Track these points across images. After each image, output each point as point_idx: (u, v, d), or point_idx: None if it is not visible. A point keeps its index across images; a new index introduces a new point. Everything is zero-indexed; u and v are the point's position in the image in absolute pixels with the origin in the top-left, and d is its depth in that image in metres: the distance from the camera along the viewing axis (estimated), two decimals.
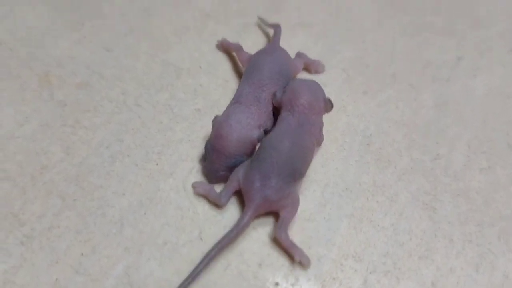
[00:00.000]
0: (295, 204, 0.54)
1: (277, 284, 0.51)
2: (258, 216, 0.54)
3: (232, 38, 0.72)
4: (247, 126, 0.57)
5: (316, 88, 0.59)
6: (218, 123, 0.57)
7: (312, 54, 0.72)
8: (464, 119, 0.65)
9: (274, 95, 0.59)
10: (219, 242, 0.51)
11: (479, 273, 0.53)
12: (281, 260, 0.53)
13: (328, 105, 0.59)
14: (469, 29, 0.78)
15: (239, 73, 0.68)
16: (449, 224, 0.56)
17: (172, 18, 0.76)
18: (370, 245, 0.54)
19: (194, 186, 0.57)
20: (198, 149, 0.60)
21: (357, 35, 0.76)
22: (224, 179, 0.57)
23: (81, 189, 0.56)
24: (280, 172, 0.53)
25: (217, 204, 0.55)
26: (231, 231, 0.52)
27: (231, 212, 0.55)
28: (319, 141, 0.59)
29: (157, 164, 0.59)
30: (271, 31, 0.73)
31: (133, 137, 0.61)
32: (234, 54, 0.69)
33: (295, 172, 0.54)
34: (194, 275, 0.50)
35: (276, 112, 0.60)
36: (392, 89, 0.69)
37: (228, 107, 0.60)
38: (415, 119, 0.65)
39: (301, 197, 0.56)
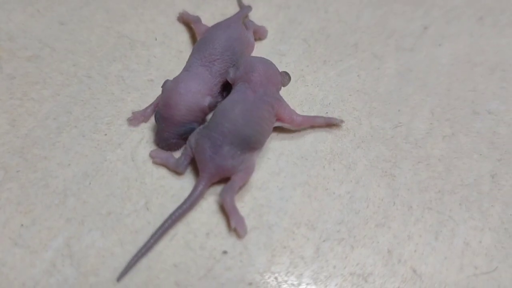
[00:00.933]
0: (248, 170, 0.52)
1: (225, 252, 0.49)
2: (211, 184, 0.52)
3: (190, 10, 0.70)
4: (197, 94, 0.55)
5: (270, 63, 0.58)
6: (166, 91, 0.55)
7: (273, 25, 0.70)
8: (428, 87, 0.63)
9: (228, 72, 0.57)
10: (172, 213, 0.50)
11: (439, 240, 0.50)
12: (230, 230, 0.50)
13: (285, 78, 0.57)
14: None
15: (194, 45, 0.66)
16: (408, 192, 0.54)
17: None
18: (325, 213, 0.52)
19: (151, 155, 0.55)
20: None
21: (320, 5, 0.74)
22: (175, 147, 0.55)
23: (25, 160, 0.54)
24: (232, 141, 0.51)
25: (176, 171, 0.53)
26: (185, 201, 0.50)
27: (180, 182, 0.53)
28: (288, 116, 0.56)
29: (105, 134, 0.57)
30: (230, 5, 0.71)
31: (82, 108, 0.59)
32: (192, 25, 0.67)
33: (249, 140, 0.52)
34: (147, 247, 0.48)
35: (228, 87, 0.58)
36: (354, 58, 0.66)
37: (178, 75, 0.57)
38: (376, 87, 0.63)
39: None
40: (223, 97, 0.58)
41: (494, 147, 0.58)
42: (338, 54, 0.67)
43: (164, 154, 0.54)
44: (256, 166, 0.54)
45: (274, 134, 0.57)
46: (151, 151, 0.55)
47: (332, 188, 0.53)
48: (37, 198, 0.51)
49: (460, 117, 0.60)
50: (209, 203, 0.52)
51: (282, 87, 0.57)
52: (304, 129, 0.58)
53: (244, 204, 0.52)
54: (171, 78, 0.60)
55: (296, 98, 0.61)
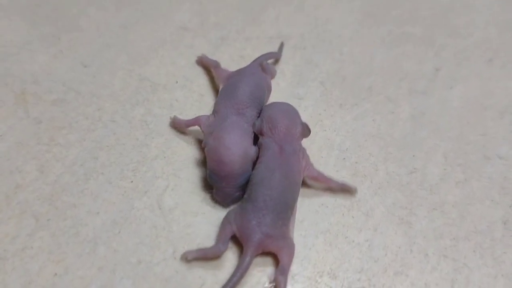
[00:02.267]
0: (291, 247, 0.53)
1: None
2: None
3: (209, 52, 0.72)
4: (244, 144, 0.56)
5: (292, 112, 0.60)
6: (214, 150, 0.56)
7: (290, 67, 0.72)
8: (441, 131, 0.65)
9: (254, 124, 0.59)
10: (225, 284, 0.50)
11: None
12: (256, 279, 0.52)
13: (306, 130, 0.59)
14: (447, 39, 0.79)
15: (215, 88, 0.68)
16: (424, 239, 0.56)
17: (149, 32, 0.76)
18: (345, 261, 0.54)
19: (185, 256, 0.53)
20: (173, 165, 0.60)
21: (335, 47, 0.76)
22: (239, 199, 0.56)
23: (55, 208, 0.56)
24: (274, 208, 0.52)
25: (217, 256, 0.53)
26: (234, 274, 0.51)
27: (206, 229, 0.55)
28: (309, 167, 0.58)
29: (131, 181, 0.58)
30: (248, 47, 0.73)
31: (108, 154, 0.61)
32: (212, 70, 0.69)
33: (287, 205, 0.53)
34: None
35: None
36: (368, 102, 0.69)
37: (214, 128, 0.58)
38: (391, 132, 0.65)
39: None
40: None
41: (505, 192, 0.60)
42: (354, 97, 0.69)
43: (194, 250, 0.53)
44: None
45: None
46: (183, 253, 0.53)
47: (352, 236, 0.56)
48: (68, 246, 0.53)
49: (471, 162, 0.62)
50: (233, 251, 0.54)
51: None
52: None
53: (269, 253, 0.54)
54: None
55: (315, 143, 0.63)
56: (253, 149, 0.57)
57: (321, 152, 0.62)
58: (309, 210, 0.57)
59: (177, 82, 0.69)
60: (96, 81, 0.69)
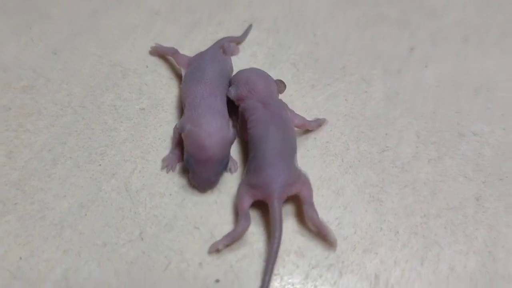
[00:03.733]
0: (307, 181, 0.54)
1: (217, 281, 0.50)
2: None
3: (180, 36, 0.72)
4: (223, 129, 0.56)
5: (263, 73, 0.62)
6: (193, 135, 0.55)
7: (264, 49, 0.71)
8: (414, 110, 0.65)
9: (229, 91, 0.60)
10: (271, 249, 0.50)
11: (424, 266, 0.52)
12: (222, 258, 0.52)
13: (281, 85, 0.61)
14: (422, 19, 0.78)
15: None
16: (395, 216, 0.55)
17: (120, 18, 0.75)
18: (313, 239, 0.53)
19: (215, 248, 0.52)
20: (141, 149, 0.60)
21: (309, 29, 0.75)
22: (215, 184, 0.56)
23: (22, 192, 0.56)
24: (283, 157, 0.53)
25: (244, 233, 0.53)
26: (275, 231, 0.51)
27: (173, 210, 0.55)
28: (294, 115, 0.60)
29: (99, 165, 0.58)
30: (220, 31, 0.73)
31: (76, 139, 0.60)
32: (171, 57, 0.69)
33: (292, 149, 0.55)
34: None
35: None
36: (341, 82, 0.68)
37: (189, 114, 0.58)
38: (364, 111, 0.64)
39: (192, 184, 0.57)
40: (233, 120, 0.60)
41: (479, 169, 0.59)
42: (326, 78, 0.68)
43: (223, 238, 0.52)
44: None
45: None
46: (212, 245, 0.52)
47: (321, 215, 0.55)
48: (35, 230, 0.53)
49: (445, 140, 0.62)
50: (201, 232, 0.53)
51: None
52: None
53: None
54: (162, 106, 0.63)
55: None
56: (231, 132, 0.56)
57: None
58: None
59: (147, 66, 0.69)
60: (66, 68, 0.68)
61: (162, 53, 0.70)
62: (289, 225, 0.54)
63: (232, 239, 0.52)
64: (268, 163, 0.53)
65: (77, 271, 0.50)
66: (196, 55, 0.66)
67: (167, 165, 0.58)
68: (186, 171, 0.57)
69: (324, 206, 0.56)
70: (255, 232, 0.53)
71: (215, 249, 0.52)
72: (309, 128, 0.61)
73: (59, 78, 0.67)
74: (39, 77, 0.67)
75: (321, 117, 0.63)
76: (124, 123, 0.62)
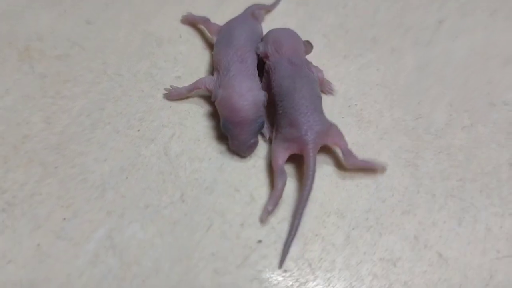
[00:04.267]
0: (339, 130, 0.56)
1: (259, 241, 0.51)
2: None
3: (213, 6, 0.73)
4: (254, 90, 0.56)
5: (293, 33, 0.63)
6: (226, 97, 0.56)
7: (293, 20, 0.72)
8: (446, 80, 0.65)
9: (257, 48, 0.61)
10: (302, 196, 0.52)
11: (462, 226, 0.53)
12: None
13: (308, 46, 0.61)
14: None
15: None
16: (431, 180, 0.56)
17: None
18: (352, 202, 0.54)
19: (267, 211, 0.53)
20: (179, 115, 0.60)
21: (338, 1, 0.76)
22: (255, 146, 0.57)
23: (62, 156, 0.56)
24: (313, 107, 0.55)
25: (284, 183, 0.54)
26: (308, 177, 0.52)
27: (212, 174, 0.55)
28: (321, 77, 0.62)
29: (138, 130, 0.59)
30: (252, 1, 0.73)
31: (114, 105, 0.61)
32: (202, 26, 0.69)
33: (319, 98, 0.57)
34: (292, 236, 0.51)
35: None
36: (373, 53, 0.69)
37: (221, 79, 0.59)
38: (396, 81, 0.65)
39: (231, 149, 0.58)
40: (261, 81, 0.60)
41: (510, 137, 0.60)
42: (357, 48, 0.69)
43: (270, 200, 0.53)
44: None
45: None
46: (263, 213, 0.53)
47: (358, 178, 0.56)
48: (77, 192, 0.54)
49: (477, 109, 0.62)
50: (241, 195, 0.54)
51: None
52: None
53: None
54: (197, 74, 0.63)
55: None
56: (262, 93, 0.57)
57: (325, 100, 0.62)
58: None
59: (180, 36, 0.69)
60: (101, 37, 0.69)
61: (193, 22, 0.71)
62: (326, 186, 0.55)
63: (276, 199, 0.53)
64: (300, 114, 0.54)
65: (121, 232, 0.51)
66: (227, 22, 0.66)
67: (168, 92, 0.61)
68: (225, 138, 0.57)
69: (361, 170, 0.56)
70: (294, 196, 0.54)
71: (267, 216, 0.53)
72: (322, 86, 0.62)
73: (94, 46, 0.67)
74: (74, 45, 0.67)
75: (354, 86, 0.64)
76: (161, 90, 0.63)
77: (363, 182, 0.55)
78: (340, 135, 0.56)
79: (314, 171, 0.52)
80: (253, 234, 0.51)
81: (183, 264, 0.49)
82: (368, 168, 0.56)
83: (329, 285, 0.49)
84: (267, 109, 0.59)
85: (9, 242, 0.50)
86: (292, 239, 0.51)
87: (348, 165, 0.55)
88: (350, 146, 0.57)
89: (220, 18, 0.70)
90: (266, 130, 0.58)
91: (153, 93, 0.62)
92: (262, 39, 0.63)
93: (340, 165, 0.56)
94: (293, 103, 0.54)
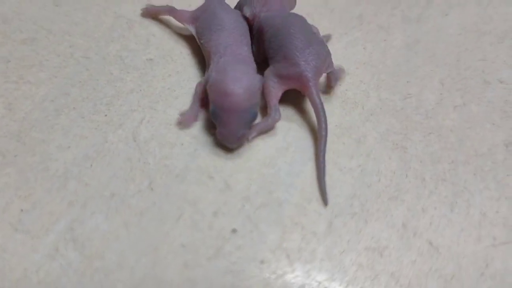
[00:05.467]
0: (331, 60, 0.55)
1: (234, 231, 0.47)
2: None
3: None
4: (248, 74, 0.52)
5: None
6: (218, 83, 0.51)
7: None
8: (437, 58, 0.61)
9: (244, 11, 0.59)
10: (322, 133, 0.51)
11: (454, 212, 0.49)
12: (239, 207, 0.48)
13: (292, 2, 0.61)
14: None
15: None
16: (420, 164, 0.52)
17: None
18: (336, 187, 0.50)
19: (246, 139, 0.52)
20: (149, 98, 0.56)
21: None
22: (244, 138, 0.52)
23: (23, 144, 0.52)
24: (308, 41, 0.53)
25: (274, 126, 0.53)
26: (320, 119, 0.52)
27: (184, 160, 0.51)
28: None
29: (105, 115, 0.55)
30: None
31: (80, 90, 0.57)
32: (167, 16, 0.65)
33: (314, 33, 0.55)
34: (322, 177, 0.50)
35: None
36: (359, 30, 0.65)
37: (214, 64, 0.54)
38: (384, 59, 0.61)
39: (261, 143, 0.53)
40: (253, 50, 0.58)
41: (506, 116, 0.56)
42: (343, 27, 0.65)
43: (253, 130, 0.53)
44: (262, 143, 0.53)
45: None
46: (251, 131, 0.52)
47: (343, 162, 0.52)
48: (37, 182, 0.49)
49: (470, 87, 0.58)
50: (215, 181, 0.50)
51: None
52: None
53: (252, 181, 0.50)
54: (170, 56, 0.59)
55: None
56: (258, 78, 0.52)
57: None
58: (295, 136, 0.53)
59: (153, 18, 0.65)
60: (69, 19, 0.65)
61: (156, 13, 0.65)
62: (308, 171, 0.51)
63: (261, 130, 0.52)
64: (296, 48, 0.52)
65: (83, 223, 0.47)
66: (200, 7, 0.61)
67: (182, 121, 0.54)
68: (208, 127, 0.54)
69: (346, 154, 0.52)
70: (274, 181, 0.50)
71: (240, 143, 0.52)
72: None
73: (61, 29, 0.63)
74: (40, 29, 0.63)
75: (339, 64, 0.59)
76: (130, 73, 0.59)
77: (347, 166, 0.51)
78: (332, 63, 0.55)
79: (323, 105, 0.52)
80: (227, 223, 0.47)
81: (150, 257, 0.45)
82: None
83: (308, 277, 0.45)
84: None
85: None
86: (324, 174, 0.50)
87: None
88: (333, 128, 0.53)
89: (185, 3, 0.66)
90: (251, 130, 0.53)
91: (122, 76, 0.58)
92: (242, 3, 0.60)
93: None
94: (287, 39, 0.53)
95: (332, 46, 0.61)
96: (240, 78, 0.50)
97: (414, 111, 0.56)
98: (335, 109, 0.56)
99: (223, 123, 0.50)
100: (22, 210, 0.47)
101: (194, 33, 0.59)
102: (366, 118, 0.55)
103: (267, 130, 0.52)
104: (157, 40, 0.63)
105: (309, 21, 0.62)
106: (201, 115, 0.55)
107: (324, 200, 0.49)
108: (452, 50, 0.62)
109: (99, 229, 0.47)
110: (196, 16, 0.60)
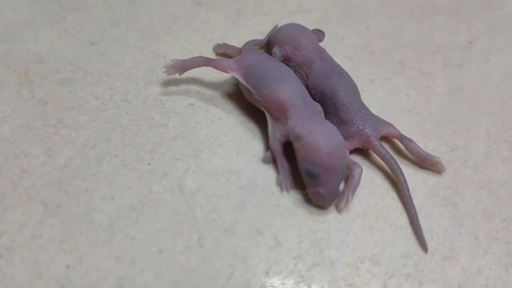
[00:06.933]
0: (386, 121, 0.55)
1: None
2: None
3: (225, 27, 0.67)
4: (336, 130, 0.51)
5: (299, 26, 0.61)
6: (317, 141, 0.48)
7: None
8: (481, 106, 0.61)
9: (275, 53, 0.58)
10: (402, 183, 0.51)
11: (509, 273, 0.48)
12: (291, 266, 0.47)
13: (320, 34, 0.60)
14: (479, 11, 0.73)
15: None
16: (473, 221, 0.51)
17: (160, 7, 0.71)
18: (388, 245, 0.49)
19: (344, 204, 0.51)
20: (193, 146, 0.55)
21: (360, 20, 0.71)
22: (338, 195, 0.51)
23: (65, 194, 0.51)
24: (359, 102, 0.55)
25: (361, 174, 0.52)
26: (394, 168, 0.52)
27: (233, 213, 0.50)
28: None
29: (149, 164, 0.53)
30: (267, 22, 0.68)
31: (121, 135, 0.56)
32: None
33: (357, 88, 0.56)
34: (417, 222, 0.50)
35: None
36: (401, 76, 0.64)
37: (293, 120, 0.52)
38: (428, 107, 0.60)
39: (308, 199, 0.51)
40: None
41: None
42: (384, 72, 0.64)
43: (348, 189, 0.52)
44: (310, 200, 0.51)
45: None
46: (347, 193, 0.52)
47: (393, 219, 0.51)
48: (82, 235, 0.48)
49: None
50: (265, 238, 0.49)
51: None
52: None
53: (302, 238, 0.49)
54: (212, 101, 0.59)
55: None
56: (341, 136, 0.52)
57: None
58: None
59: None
60: (105, 59, 0.63)
61: (186, 68, 0.60)
62: (358, 228, 0.50)
63: (355, 187, 0.52)
64: (351, 112, 0.53)
65: (132, 280, 0.46)
66: (244, 54, 0.58)
67: (285, 186, 0.52)
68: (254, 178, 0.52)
69: (395, 209, 0.51)
70: (324, 238, 0.49)
71: (345, 205, 0.51)
72: None
73: (99, 70, 0.62)
74: (77, 69, 0.62)
75: (382, 113, 0.57)
76: (172, 119, 0.57)
77: (397, 222, 0.50)
78: (390, 124, 0.55)
79: (392, 157, 0.52)
80: (280, 283, 0.46)
81: None
82: (428, 161, 0.54)
83: None
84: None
85: None
86: (417, 219, 0.50)
87: (410, 150, 0.54)
88: (380, 182, 0.52)
89: (234, 39, 0.65)
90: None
91: (164, 122, 0.57)
92: (270, 43, 0.60)
93: (371, 205, 0.51)
94: (339, 103, 0.54)
95: (375, 93, 0.61)
96: (335, 135, 0.50)
97: (463, 164, 0.55)
98: (381, 161, 0.54)
99: (322, 183, 0.49)
100: (68, 266, 0.46)
101: (242, 81, 0.56)
102: (415, 171, 0.54)
103: (357, 184, 0.52)
104: (198, 83, 0.61)
105: (349, 65, 0.62)
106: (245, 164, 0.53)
107: (424, 246, 0.49)
108: (496, 98, 0.61)
109: (149, 287, 0.45)
110: (244, 64, 0.57)
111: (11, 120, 0.56)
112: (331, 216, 0.50)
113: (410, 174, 0.54)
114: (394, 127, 0.54)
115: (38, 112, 0.57)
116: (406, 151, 0.55)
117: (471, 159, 0.56)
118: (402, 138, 0.54)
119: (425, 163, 0.54)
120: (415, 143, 0.54)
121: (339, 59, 0.63)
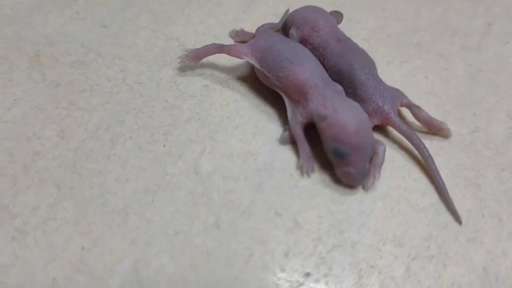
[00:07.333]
0: (401, 91, 0.55)
1: (308, 274, 0.44)
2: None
3: (239, 9, 0.66)
4: (360, 108, 0.50)
5: (317, 8, 0.59)
6: (343, 120, 0.48)
7: None
8: (501, 89, 0.59)
9: (291, 34, 0.57)
10: (427, 158, 0.51)
11: None
12: (310, 248, 0.46)
13: (338, 16, 0.59)
14: None
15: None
16: (496, 202, 0.50)
17: None
18: (410, 227, 0.48)
19: (371, 181, 0.51)
20: (208, 128, 0.54)
21: (376, 3, 0.70)
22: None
23: (79, 176, 0.49)
24: (376, 78, 0.54)
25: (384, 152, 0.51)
26: (417, 143, 0.51)
27: (250, 195, 0.49)
28: None
29: (164, 145, 0.52)
30: (281, 4, 0.68)
31: (135, 117, 0.54)
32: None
33: (374, 64, 0.56)
34: (448, 196, 0.49)
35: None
36: (419, 59, 0.62)
37: (315, 100, 0.51)
38: (447, 90, 0.59)
39: (329, 179, 0.51)
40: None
41: None
42: (402, 54, 0.63)
43: (374, 168, 0.51)
44: (332, 180, 0.51)
45: None
46: (374, 173, 0.51)
47: (415, 200, 0.49)
48: (96, 217, 0.47)
49: None
50: (283, 219, 0.48)
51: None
52: None
53: (322, 220, 0.48)
54: (226, 83, 0.57)
55: None
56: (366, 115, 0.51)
57: None
58: None
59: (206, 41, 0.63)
60: (117, 42, 0.62)
61: (201, 56, 0.59)
62: (379, 210, 0.49)
63: (381, 165, 0.51)
64: (369, 89, 0.52)
65: (148, 264, 0.44)
66: (258, 38, 0.57)
67: (306, 169, 0.51)
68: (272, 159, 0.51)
69: (417, 191, 0.50)
70: (344, 219, 0.48)
71: (372, 183, 0.50)
72: None
73: (110, 53, 0.61)
74: (89, 52, 0.61)
75: None
76: (186, 100, 0.56)
77: (420, 205, 0.49)
78: (402, 93, 0.54)
79: (411, 130, 0.51)
80: (300, 265, 0.45)
81: None
82: (437, 126, 0.54)
83: None
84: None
85: (20, 275, 0.43)
86: (447, 192, 0.50)
87: (418, 117, 0.54)
88: (402, 163, 0.50)
89: (247, 22, 0.64)
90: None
91: (178, 104, 0.56)
92: (286, 25, 0.59)
93: (393, 186, 0.50)
94: (357, 82, 0.53)
95: (392, 75, 0.60)
96: (360, 112, 0.49)
97: (484, 146, 0.54)
98: (403, 142, 0.53)
99: (351, 162, 0.48)
100: (83, 248, 0.45)
101: (257, 66, 0.55)
102: (436, 152, 0.53)
103: (382, 161, 0.51)
104: (212, 65, 0.60)
105: (366, 46, 0.61)
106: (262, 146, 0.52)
107: (457, 218, 0.48)
108: None
109: (165, 271, 0.44)
110: (257, 48, 0.56)
111: (23, 102, 0.55)
112: (351, 197, 0.49)
113: (432, 156, 0.52)
114: (405, 96, 0.54)
115: (50, 95, 0.56)
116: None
117: (492, 141, 0.54)
118: (411, 106, 0.54)
119: (433, 128, 0.54)
120: (423, 110, 0.53)
121: (356, 41, 0.61)
